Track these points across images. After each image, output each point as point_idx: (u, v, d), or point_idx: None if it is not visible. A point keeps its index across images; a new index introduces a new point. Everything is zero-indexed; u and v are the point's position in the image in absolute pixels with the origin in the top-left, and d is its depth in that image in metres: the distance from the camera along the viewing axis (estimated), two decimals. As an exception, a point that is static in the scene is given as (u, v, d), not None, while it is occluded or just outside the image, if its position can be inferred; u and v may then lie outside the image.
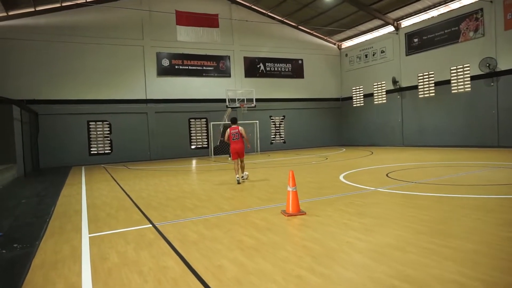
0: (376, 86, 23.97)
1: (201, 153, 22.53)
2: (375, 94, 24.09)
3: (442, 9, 19.65)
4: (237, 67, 23.52)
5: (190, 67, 22.17)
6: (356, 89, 25.68)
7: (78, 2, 19.07)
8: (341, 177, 9.46)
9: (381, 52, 23.29)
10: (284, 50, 24.82)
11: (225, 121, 20.63)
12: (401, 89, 22.02)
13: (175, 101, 21.80)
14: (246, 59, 23.81)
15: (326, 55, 26.44)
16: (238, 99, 21.12)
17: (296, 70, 25.34)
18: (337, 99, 26.89)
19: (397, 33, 22.07)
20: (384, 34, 22.94)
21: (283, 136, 25.30)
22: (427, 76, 20.55)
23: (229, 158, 16.96)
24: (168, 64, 21.63)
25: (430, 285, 2.88)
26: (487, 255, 3.46)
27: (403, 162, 12.66)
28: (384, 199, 6.44)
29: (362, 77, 24.96)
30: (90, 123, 20.12)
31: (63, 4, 19.10)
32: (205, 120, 22.76)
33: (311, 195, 7.10)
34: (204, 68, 22.57)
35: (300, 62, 25.46)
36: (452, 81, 19.20)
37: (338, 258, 3.58)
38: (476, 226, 4.47)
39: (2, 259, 4.06)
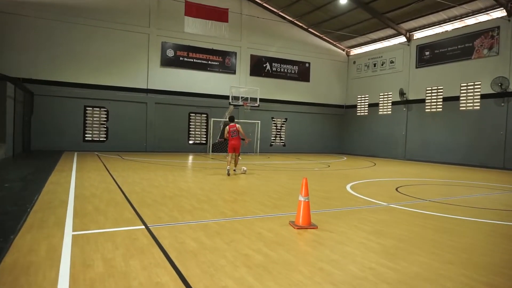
0: (382, 96, 23.50)
1: (199, 149, 21.93)
2: (380, 104, 23.61)
3: (457, 24, 19.22)
4: (243, 65, 22.95)
5: (195, 60, 21.56)
6: (361, 97, 25.20)
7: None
8: (348, 188, 8.93)
9: (390, 63, 22.83)
10: (292, 52, 24.29)
11: (226, 118, 20.07)
12: (407, 102, 21.56)
13: (177, 94, 21.17)
14: (253, 57, 23.25)
15: (334, 60, 25.94)
16: (241, 97, 20.56)
17: (302, 73, 24.82)
18: (341, 106, 26.40)
19: (408, 44, 21.60)
20: (395, 44, 22.46)
21: (283, 138, 24.75)
22: (435, 91, 20.10)
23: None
24: (173, 55, 21.01)
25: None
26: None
27: (409, 177, 12.17)
28: (401, 217, 5.90)
29: (369, 86, 24.49)
30: (87, 108, 19.46)
31: (70, -17, 18.47)
32: (205, 115, 22.16)
33: (319, 205, 6.56)
34: (209, 62, 21.97)
35: (307, 65, 24.95)
36: (461, 98, 18.76)
37: (364, 289, 3.04)
38: (510, 259, 3.96)
39: (-33, 255, 3.45)
